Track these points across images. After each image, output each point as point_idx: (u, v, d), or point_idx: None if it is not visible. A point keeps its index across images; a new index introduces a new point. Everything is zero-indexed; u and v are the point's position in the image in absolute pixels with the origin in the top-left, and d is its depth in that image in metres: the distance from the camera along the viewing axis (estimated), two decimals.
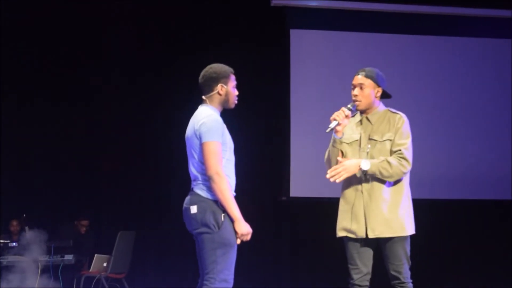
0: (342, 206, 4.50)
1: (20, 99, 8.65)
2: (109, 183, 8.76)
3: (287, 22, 9.01)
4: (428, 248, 8.84)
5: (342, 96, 8.64)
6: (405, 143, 4.40)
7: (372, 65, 4.63)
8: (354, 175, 4.40)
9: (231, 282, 4.09)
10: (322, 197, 8.73)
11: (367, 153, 4.42)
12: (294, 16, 9.04)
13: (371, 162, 4.33)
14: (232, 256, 4.10)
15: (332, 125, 4.37)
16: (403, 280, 4.41)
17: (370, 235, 4.36)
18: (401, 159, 4.35)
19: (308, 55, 8.99)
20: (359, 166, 4.33)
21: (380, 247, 4.45)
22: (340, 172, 4.33)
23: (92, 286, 8.05)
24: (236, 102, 4.32)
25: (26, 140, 8.59)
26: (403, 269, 4.41)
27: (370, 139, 4.45)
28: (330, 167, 4.48)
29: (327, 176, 4.37)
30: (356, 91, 4.47)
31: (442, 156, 9.03)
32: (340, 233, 4.48)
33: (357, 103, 4.47)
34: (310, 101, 8.91)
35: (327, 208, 8.47)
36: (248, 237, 4.14)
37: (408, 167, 4.37)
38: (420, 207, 8.67)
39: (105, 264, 8.12)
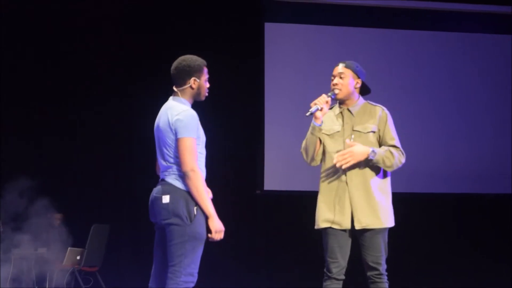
0: (324, 197, 4.49)
1: None
2: (83, 176, 8.71)
3: (262, 16, 9.01)
4: (425, 242, 8.94)
5: (317, 89, 8.68)
6: (396, 137, 4.52)
7: (353, 60, 4.68)
8: (335, 166, 4.43)
9: (196, 277, 4.07)
10: (297, 190, 8.76)
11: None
12: (269, 9, 9.04)
13: (377, 151, 4.38)
14: (200, 251, 4.07)
15: (313, 109, 4.41)
16: (381, 271, 4.45)
17: (357, 226, 4.40)
18: (400, 152, 4.48)
19: (283, 48, 9.00)
20: (367, 154, 4.36)
21: (359, 238, 4.47)
22: (347, 158, 4.33)
23: (65, 279, 8.01)
24: (207, 95, 4.29)
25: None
26: (381, 260, 4.45)
27: (353, 130, 4.51)
28: (307, 155, 4.53)
29: (335, 161, 4.35)
30: (336, 80, 4.54)
31: (440, 150, 9.07)
32: (323, 224, 4.47)
33: (336, 91, 4.53)
34: (284, 94, 8.93)
35: (302, 201, 8.56)
36: (221, 235, 4.10)
37: (404, 159, 4.50)
38: (417, 202, 8.81)
39: (78, 258, 8.09)
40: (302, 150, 4.56)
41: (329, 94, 4.49)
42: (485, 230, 9.14)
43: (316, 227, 4.55)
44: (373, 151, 4.37)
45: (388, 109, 4.65)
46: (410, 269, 8.67)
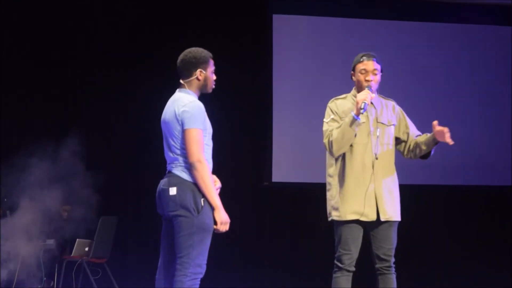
0: (353, 189, 4.48)
1: None
2: (90, 167, 8.71)
3: (269, 7, 8.98)
4: (429, 234, 8.91)
5: (325, 81, 8.77)
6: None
7: (360, 52, 4.67)
8: (368, 156, 4.46)
9: (204, 268, 4.09)
10: (305, 182, 8.75)
11: (377, 137, 4.51)
12: (277, 1, 9.01)
13: None
14: (208, 242, 4.09)
15: (364, 106, 4.37)
16: (391, 264, 4.49)
17: (382, 218, 4.44)
18: None
19: (291, 40, 8.98)
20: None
21: (370, 230, 4.50)
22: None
23: (73, 271, 8.04)
24: (213, 87, 4.30)
25: (6, 124, 8.53)
26: (392, 253, 4.50)
27: (378, 122, 4.55)
28: (340, 148, 4.45)
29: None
30: (370, 76, 4.53)
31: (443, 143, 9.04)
32: (351, 217, 4.46)
33: (373, 88, 4.53)
34: (292, 86, 8.92)
35: (310, 193, 8.55)
36: (227, 227, 4.12)
37: None
38: (421, 193, 8.79)
39: (86, 249, 8.11)
40: (334, 141, 4.43)
41: (367, 89, 4.49)
42: (490, 223, 9.12)
43: (337, 218, 4.51)
44: None
45: (395, 101, 4.75)
46: (416, 261, 8.66)
